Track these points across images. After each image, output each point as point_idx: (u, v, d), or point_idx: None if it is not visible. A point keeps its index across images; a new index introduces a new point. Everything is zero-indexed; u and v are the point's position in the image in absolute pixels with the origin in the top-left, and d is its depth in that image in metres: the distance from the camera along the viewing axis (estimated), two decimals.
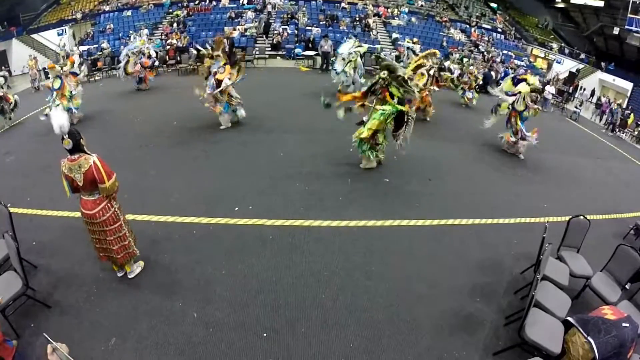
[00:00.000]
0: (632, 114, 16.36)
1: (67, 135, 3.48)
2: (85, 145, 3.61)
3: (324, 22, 20.23)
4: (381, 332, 3.78)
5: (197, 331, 3.63)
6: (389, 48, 19.45)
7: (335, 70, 11.48)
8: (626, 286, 4.33)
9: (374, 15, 21.89)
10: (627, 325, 3.03)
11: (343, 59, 11.24)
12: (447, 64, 16.76)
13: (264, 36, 18.90)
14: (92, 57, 15.79)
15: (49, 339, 1.82)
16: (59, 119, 3.47)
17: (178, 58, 15.89)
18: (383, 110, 6.40)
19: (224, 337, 3.57)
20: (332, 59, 12.27)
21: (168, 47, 16.44)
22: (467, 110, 12.94)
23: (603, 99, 18.89)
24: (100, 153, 3.70)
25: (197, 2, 21.26)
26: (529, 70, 19.70)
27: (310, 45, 17.66)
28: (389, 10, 22.87)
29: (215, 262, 4.55)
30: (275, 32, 18.86)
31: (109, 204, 3.76)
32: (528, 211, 6.45)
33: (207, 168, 6.95)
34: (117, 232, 3.88)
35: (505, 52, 22.16)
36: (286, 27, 19.41)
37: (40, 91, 12.64)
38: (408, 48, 13.70)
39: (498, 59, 20.32)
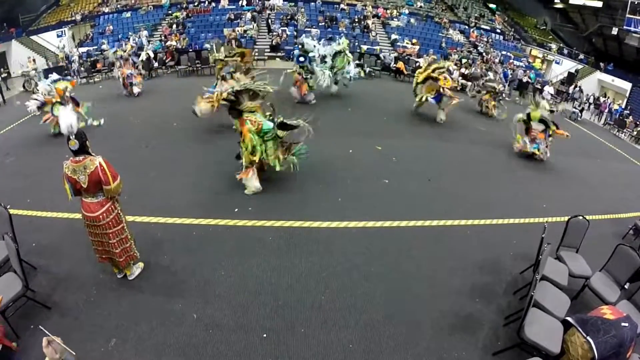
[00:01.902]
0: (630, 115, 16.42)
1: (73, 136, 3.48)
2: (89, 147, 3.62)
3: (323, 24, 20.25)
4: (380, 333, 3.78)
5: (197, 332, 3.63)
6: (388, 49, 19.46)
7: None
8: (625, 286, 4.33)
9: (373, 17, 21.92)
10: (626, 324, 3.04)
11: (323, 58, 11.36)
12: (446, 65, 16.82)
13: (268, 33, 18.96)
14: (92, 59, 15.81)
15: (45, 330, 1.82)
16: (68, 119, 3.47)
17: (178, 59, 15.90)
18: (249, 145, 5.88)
19: (223, 338, 3.58)
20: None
21: (167, 48, 16.45)
22: (466, 111, 12.94)
23: (602, 99, 18.93)
24: (100, 155, 3.70)
25: (196, 4, 21.27)
26: (529, 70, 19.74)
27: None
28: (388, 11, 22.89)
29: (215, 263, 4.55)
30: (275, 33, 18.87)
31: (112, 206, 3.77)
32: (527, 211, 6.46)
33: (207, 169, 6.94)
34: (120, 235, 3.89)
35: (504, 52, 22.18)
36: (285, 28, 19.43)
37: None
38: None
39: (497, 60, 20.33)
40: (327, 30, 19.44)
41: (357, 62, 11.78)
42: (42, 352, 3.26)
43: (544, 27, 28.40)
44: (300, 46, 11.05)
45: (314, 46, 10.91)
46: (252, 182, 6.08)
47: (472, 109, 13.25)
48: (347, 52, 11.67)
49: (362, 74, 11.45)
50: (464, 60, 18.33)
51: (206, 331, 3.65)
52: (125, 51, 12.32)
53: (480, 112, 12.82)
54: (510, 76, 18.16)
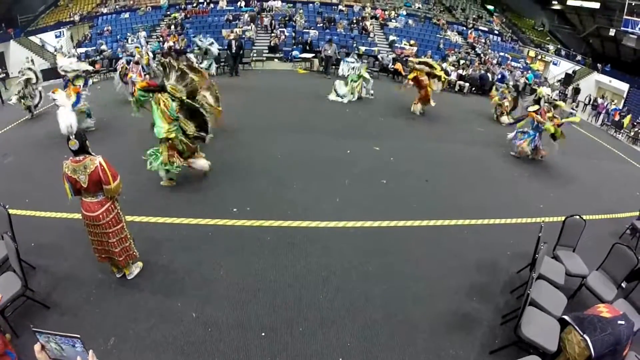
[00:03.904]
0: (628, 115, 16.46)
1: (73, 136, 3.49)
2: (89, 147, 3.63)
3: (322, 25, 20.29)
4: (378, 332, 3.80)
5: (196, 331, 3.64)
6: (386, 50, 19.51)
7: (340, 96, 12.06)
8: (622, 285, 4.36)
9: (371, 18, 21.97)
10: (623, 323, 3.06)
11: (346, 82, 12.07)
12: (444, 65, 16.94)
13: (271, 32, 19.15)
14: (90, 59, 15.79)
15: (39, 330, 1.80)
16: (67, 119, 3.47)
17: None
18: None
19: (222, 337, 3.59)
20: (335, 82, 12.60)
21: (166, 49, 16.45)
22: (465, 112, 12.99)
23: (600, 100, 19.02)
24: (100, 154, 3.71)
25: (194, 5, 21.29)
26: (526, 71, 19.82)
27: (307, 47, 17.71)
28: (386, 12, 22.95)
29: (213, 262, 4.57)
30: (273, 34, 18.91)
31: (112, 206, 3.78)
32: (524, 211, 6.49)
33: None
34: (119, 234, 3.90)
35: (502, 54, 22.26)
36: (284, 29, 19.47)
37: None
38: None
39: (495, 61, 20.40)
40: (326, 32, 19.50)
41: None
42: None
43: (542, 29, 28.52)
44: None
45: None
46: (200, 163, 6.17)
47: (471, 110, 13.29)
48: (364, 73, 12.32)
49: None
50: (461, 62, 18.39)
51: (205, 330, 3.66)
52: (132, 54, 12.32)
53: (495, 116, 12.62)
54: (507, 77, 18.22)
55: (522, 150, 8.83)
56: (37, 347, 1.83)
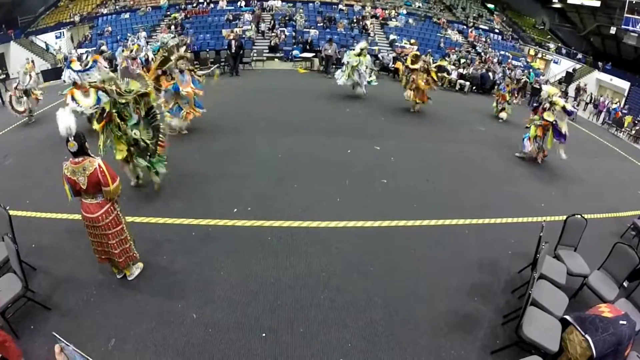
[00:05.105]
0: (629, 117, 16.43)
1: (72, 138, 3.48)
2: (88, 149, 3.63)
3: (322, 24, 20.28)
4: (379, 332, 3.79)
5: (197, 332, 3.64)
6: (387, 49, 19.49)
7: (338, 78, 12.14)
8: (624, 284, 4.35)
9: (372, 17, 21.96)
10: (625, 322, 3.05)
11: (346, 63, 11.94)
12: (444, 64, 16.95)
13: (269, 32, 19.20)
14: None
15: (59, 337, 1.81)
16: (66, 121, 3.47)
17: None
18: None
19: (223, 338, 3.59)
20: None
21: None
22: (465, 112, 12.97)
23: (601, 98, 18.99)
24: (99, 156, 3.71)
25: (195, 5, 21.29)
26: (527, 70, 19.79)
27: (308, 47, 17.70)
28: (387, 11, 22.93)
29: (214, 263, 4.56)
30: (273, 34, 18.90)
31: (111, 207, 3.78)
32: (526, 211, 6.47)
33: (205, 170, 6.95)
34: (119, 236, 3.90)
35: (502, 52, 22.23)
36: (284, 29, 19.46)
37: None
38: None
39: (495, 60, 20.37)
40: (326, 31, 19.49)
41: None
42: (40, 353, 3.28)
43: (542, 27, 28.47)
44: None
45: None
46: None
47: (472, 109, 13.27)
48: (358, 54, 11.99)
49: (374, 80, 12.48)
50: (462, 61, 18.37)
51: (205, 331, 3.66)
52: (131, 50, 12.42)
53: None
54: (499, 71, 18.23)
55: (532, 150, 8.73)
56: (57, 348, 1.84)
